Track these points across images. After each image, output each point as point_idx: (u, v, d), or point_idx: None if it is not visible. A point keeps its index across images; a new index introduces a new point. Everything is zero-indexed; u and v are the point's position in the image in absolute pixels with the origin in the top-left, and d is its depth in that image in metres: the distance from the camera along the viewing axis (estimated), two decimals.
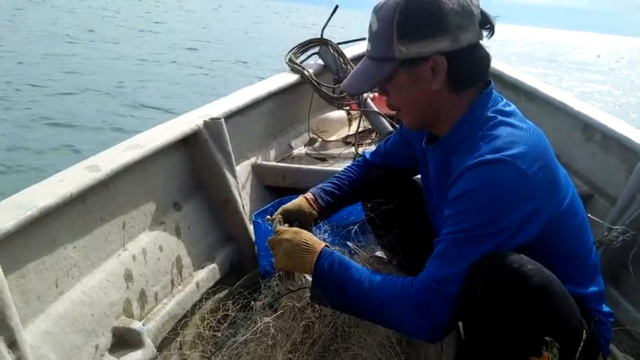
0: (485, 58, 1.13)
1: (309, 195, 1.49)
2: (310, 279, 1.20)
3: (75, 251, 1.35)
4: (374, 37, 1.13)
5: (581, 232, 1.14)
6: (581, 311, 1.04)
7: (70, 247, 1.34)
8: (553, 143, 2.66)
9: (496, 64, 3.29)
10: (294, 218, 1.44)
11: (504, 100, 1.15)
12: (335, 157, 2.69)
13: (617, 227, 1.76)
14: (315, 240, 1.22)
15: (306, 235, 1.23)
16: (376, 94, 2.46)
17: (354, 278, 1.11)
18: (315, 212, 1.46)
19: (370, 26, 1.14)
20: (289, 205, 1.47)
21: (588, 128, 2.31)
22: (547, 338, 0.95)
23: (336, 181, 1.54)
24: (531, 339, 0.96)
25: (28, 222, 1.17)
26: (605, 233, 1.79)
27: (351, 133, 3.02)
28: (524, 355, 0.97)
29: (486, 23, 1.11)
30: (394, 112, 1.24)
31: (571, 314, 1.00)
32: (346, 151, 2.76)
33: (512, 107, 1.14)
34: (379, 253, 1.62)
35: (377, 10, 1.12)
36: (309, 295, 1.23)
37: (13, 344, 1.05)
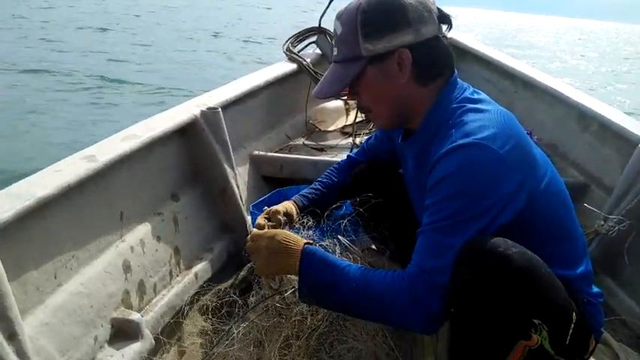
0: (447, 50, 1.17)
1: (292, 201, 1.52)
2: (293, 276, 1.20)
3: (73, 242, 1.35)
4: (339, 41, 1.17)
5: (563, 212, 1.15)
6: (569, 293, 1.05)
7: (68, 238, 1.34)
8: (549, 133, 2.68)
9: (494, 53, 3.29)
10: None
11: (471, 89, 1.18)
12: (332, 148, 2.69)
13: (613, 217, 1.78)
14: (294, 239, 1.20)
15: (283, 237, 1.21)
16: None
17: (342, 276, 1.11)
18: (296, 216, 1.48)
19: (335, 32, 1.18)
20: (279, 207, 1.46)
21: (584, 118, 2.31)
22: (535, 321, 0.96)
23: (318, 187, 1.57)
24: (519, 323, 0.96)
25: (25, 212, 1.16)
26: (602, 223, 1.80)
27: (348, 123, 3.01)
28: (513, 339, 0.98)
29: (444, 18, 1.16)
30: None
31: (558, 296, 1.01)
32: (344, 142, 2.76)
33: (481, 94, 1.17)
34: (372, 246, 1.62)
35: (339, 16, 1.17)
36: (296, 295, 1.23)
37: (12, 335, 1.05)
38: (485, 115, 1.07)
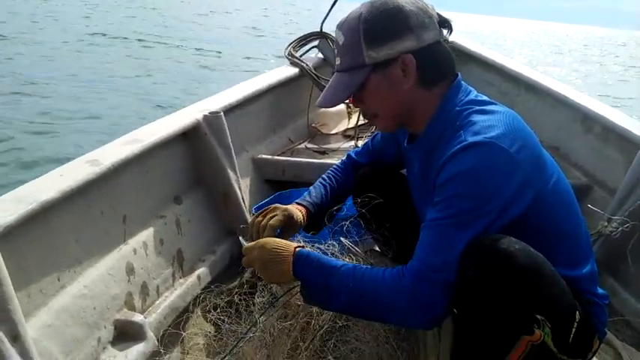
0: (449, 54, 1.18)
1: (298, 205, 1.46)
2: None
3: (76, 245, 1.36)
4: (342, 50, 1.17)
5: (569, 212, 1.15)
6: (574, 293, 1.05)
7: (71, 240, 1.34)
8: (552, 135, 2.69)
9: (496, 56, 3.29)
10: (285, 224, 1.38)
11: (475, 92, 1.19)
12: (335, 151, 2.69)
13: (616, 218, 1.77)
14: (283, 245, 1.19)
15: (272, 245, 1.20)
16: None
17: (337, 277, 1.10)
18: (303, 220, 1.43)
19: (337, 42, 1.19)
20: (290, 208, 1.42)
21: (587, 120, 2.31)
22: (538, 317, 0.97)
23: (320, 189, 1.53)
24: (522, 318, 0.97)
25: (29, 216, 1.17)
26: (605, 224, 1.79)
27: (350, 126, 3.02)
28: (516, 335, 0.98)
29: (444, 22, 1.17)
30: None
31: (562, 294, 1.01)
32: (346, 145, 2.76)
33: (485, 97, 1.18)
34: (375, 247, 1.62)
35: (341, 26, 1.17)
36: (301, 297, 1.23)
37: (16, 337, 1.06)
38: (493, 116, 1.07)
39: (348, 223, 1.50)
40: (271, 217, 1.37)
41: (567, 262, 1.10)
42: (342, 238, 1.48)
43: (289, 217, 1.38)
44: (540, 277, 0.97)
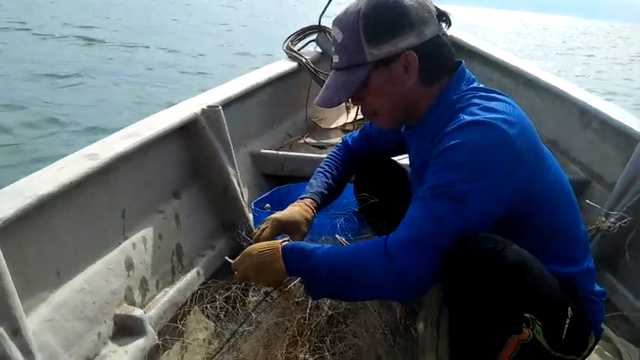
0: (449, 48, 1.16)
1: (305, 200, 1.42)
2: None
3: (75, 240, 1.35)
4: (341, 47, 1.13)
5: (566, 208, 1.14)
6: (567, 289, 1.05)
7: (70, 235, 1.34)
8: (551, 130, 2.68)
9: (496, 51, 3.29)
10: (283, 230, 1.35)
11: (477, 81, 1.17)
12: (333, 145, 2.67)
13: (614, 213, 1.78)
14: (268, 245, 1.17)
15: (257, 249, 1.18)
16: None
17: (318, 260, 1.07)
18: (311, 215, 1.40)
19: (334, 39, 1.15)
20: (280, 215, 1.37)
21: (585, 115, 2.31)
22: (527, 315, 0.97)
23: (321, 177, 1.49)
24: (510, 317, 0.97)
25: (28, 210, 1.17)
26: (603, 219, 1.80)
27: (349, 120, 3.03)
28: (506, 334, 0.98)
29: (442, 16, 1.14)
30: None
31: (551, 291, 1.01)
32: None
33: (487, 87, 1.15)
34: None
35: (338, 22, 1.14)
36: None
37: (16, 332, 1.06)
38: (495, 102, 1.06)
39: (341, 219, 1.50)
40: (261, 234, 1.33)
41: (562, 259, 1.10)
42: (337, 235, 1.47)
43: (282, 224, 1.34)
44: (527, 274, 0.97)
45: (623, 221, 1.73)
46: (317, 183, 1.48)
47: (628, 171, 1.85)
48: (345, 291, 1.10)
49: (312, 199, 1.43)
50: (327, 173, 1.51)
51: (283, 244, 1.16)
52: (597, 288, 1.17)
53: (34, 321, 1.17)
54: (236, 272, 1.23)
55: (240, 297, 1.51)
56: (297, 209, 1.38)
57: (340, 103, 1.18)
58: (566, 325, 1.02)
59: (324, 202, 1.45)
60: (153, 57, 9.65)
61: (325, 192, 1.46)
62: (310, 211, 1.39)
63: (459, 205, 0.97)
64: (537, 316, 0.97)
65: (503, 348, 0.99)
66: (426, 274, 0.99)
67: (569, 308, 1.03)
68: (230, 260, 1.28)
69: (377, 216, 1.49)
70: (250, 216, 1.99)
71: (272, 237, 1.32)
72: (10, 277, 1.06)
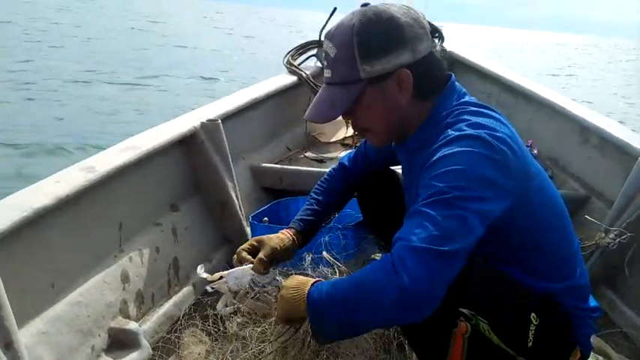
0: (442, 64, 1.15)
1: (289, 230, 1.42)
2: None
3: (71, 252, 1.35)
4: (334, 62, 1.11)
5: (554, 226, 1.13)
6: (545, 303, 1.05)
7: (66, 248, 1.34)
8: (550, 145, 2.68)
9: (494, 66, 3.30)
10: (277, 258, 1.34)
11: (469, 95, 1.16)
12: (332, 159, 2.70)
13: (613, 229, 1.77)
14: (302, 280, 1.10)
15: (291, 283, 1.11)
16: None
17: (337, 288, 1.02)
18: (296, 245, 1.40)
19: (327, 53, 1.12)
20: (272, 243, 1.34)
21: (585, 131, 2.32)
22: (463, 310, 0.98)
23: (312, 206, 1.49)
24: (446, 312, 0.96)
25: (23, 223, 1.16)
26: (602, 235, 1.79)
27: (348, 134, 3.03)
28: (448, 329, 1.00)
29: (435, 32, 1.14)
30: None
31: (503, 295, 1.02)
32: (343, 153, 2.76)
33: (476, 100, 1.15)
34: (378, 255, 1.61)
35: (331, 37, 1.11)
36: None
37: (8, 345, 1.05)
38: (482, 118, 1.05)
39: (332, 235, 1.50)
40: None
41: (544, 275, 1.09)
42: (324, 253, 1.46)
43: (257, 241, 1.35)
44: (468, 272, 0.96)
45: (623, 237, 1.72)
46: (302, 212, 1.48)
47: (627, 187, 1.84)
48: (355, 316, 1.00)
49: (293, 227, 1.42)
50: (312, 201, 1.50)
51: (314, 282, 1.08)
52: (589, 304, 1.16)
53: (27, 334, 1.17)
54: (277, 313, 1.17)
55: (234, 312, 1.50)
56: (276, 234, 1.39)
57: (334, 119, 1.17)
58: (531, 332, 1.02)
59: (309, 229, 1.44)
60: None
61: (309, 218, 1.45)
62: (289, 236, 1.39)
63: (453, 209, 0.95)
64: (481, 315, 0.99)
65: (451, 342, 1.01)
66: (434, 281, 0.92)
67: (532, 314, 1.02)
68: (209, 289, 1.30)
69: (381, 228, 1.48)
70: (248, 229, 1.98)
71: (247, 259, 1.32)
72: (3, 290, 1.06)
